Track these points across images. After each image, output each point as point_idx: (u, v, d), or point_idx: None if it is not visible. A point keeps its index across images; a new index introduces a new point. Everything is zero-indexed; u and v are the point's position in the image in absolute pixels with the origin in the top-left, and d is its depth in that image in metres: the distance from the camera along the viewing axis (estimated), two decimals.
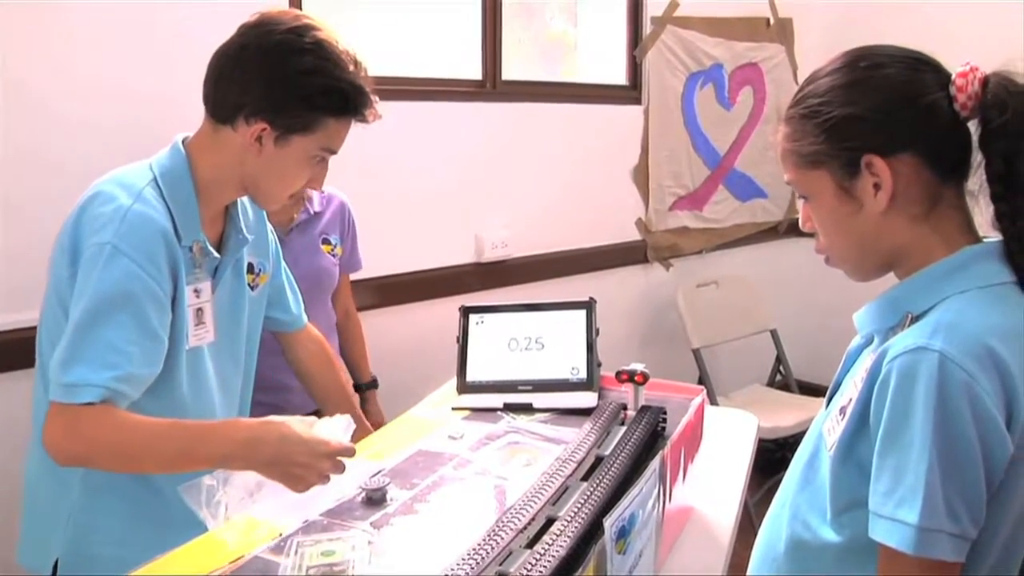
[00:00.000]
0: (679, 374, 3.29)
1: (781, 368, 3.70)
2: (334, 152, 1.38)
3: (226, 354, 1.47)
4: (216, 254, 1.39)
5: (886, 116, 1.00)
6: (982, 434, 0.90)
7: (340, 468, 1.24)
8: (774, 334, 3.64)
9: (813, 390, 3.61)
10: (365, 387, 2.27)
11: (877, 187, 1.01)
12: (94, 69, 1.90)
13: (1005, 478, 0.93)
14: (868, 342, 1.09)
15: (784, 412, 3.24)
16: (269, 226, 1.60)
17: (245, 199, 1.48)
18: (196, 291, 1.35)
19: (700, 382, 3.33)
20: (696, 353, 3.35)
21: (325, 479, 1.24)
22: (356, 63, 1.32)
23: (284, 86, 1.27)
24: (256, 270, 1.53)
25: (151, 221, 1.26)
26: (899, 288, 1.05)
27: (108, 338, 1.20)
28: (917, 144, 1.00)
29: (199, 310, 1.36)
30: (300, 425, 1.24)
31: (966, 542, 0.91)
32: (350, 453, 1.25)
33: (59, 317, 1.28)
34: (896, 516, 0.91)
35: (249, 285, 1.52)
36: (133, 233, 1.23)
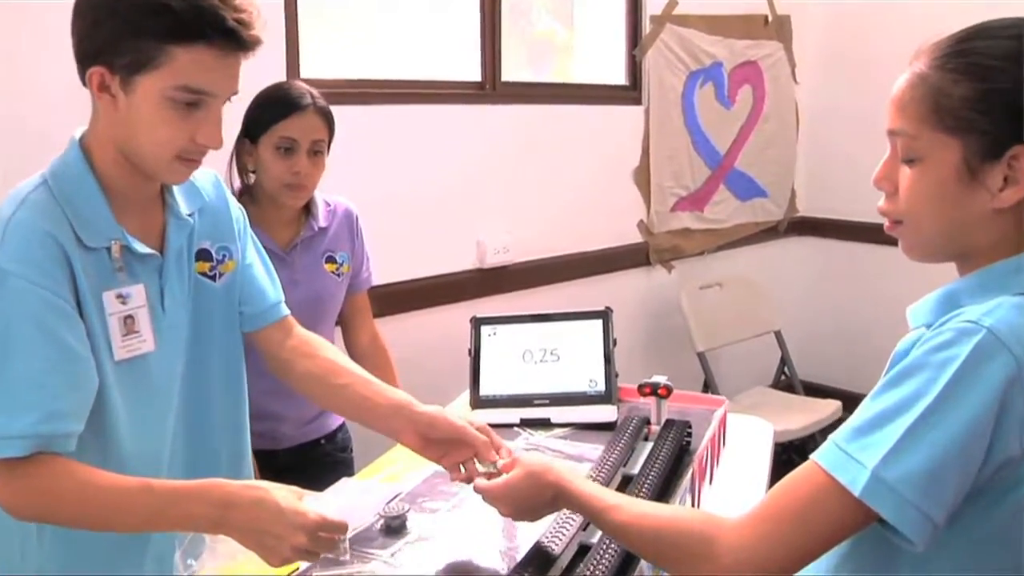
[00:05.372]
0: (684, 377, 3.24)
1: (786, 369, 3.66)
2: (198, 91, 1.13)
3: (191, 361, 1.29)
4: (150, 249, 1.21)
5: None
6: (999, 419, 0.81)
7: (324, 545, 1.08)
8: (778, 335, 3.60)
9: (818, 391, 3.57)
10: None
11: (1007, 180, 0.89)
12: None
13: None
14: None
15: (792, 415, 3.19)
16: (235, 203, 1.39)
17: (195, 176, 1.27)
18: (120, 296, 1.18)
19: (705, 385, 3.29)
20: (701, 356, 3.31)
21: (305, 555, 1.08)
22: None
23: (111, 20, 1.10)
24: (215, 257, 1.33)
25: (34, 227, 1.11)
26: (958, 283, 0.96)
27: (19, 373, 1.07)
28: None
29: (128, 318, 1.19)
30: (283, 492, 1.09)
31: (930, 524, 0.81)
32: (337, 529, 1.10)
33: None
34: (857, 456, 0.83)
35: (207, 275, 1.31)
36: (17, 247, 1.09)
